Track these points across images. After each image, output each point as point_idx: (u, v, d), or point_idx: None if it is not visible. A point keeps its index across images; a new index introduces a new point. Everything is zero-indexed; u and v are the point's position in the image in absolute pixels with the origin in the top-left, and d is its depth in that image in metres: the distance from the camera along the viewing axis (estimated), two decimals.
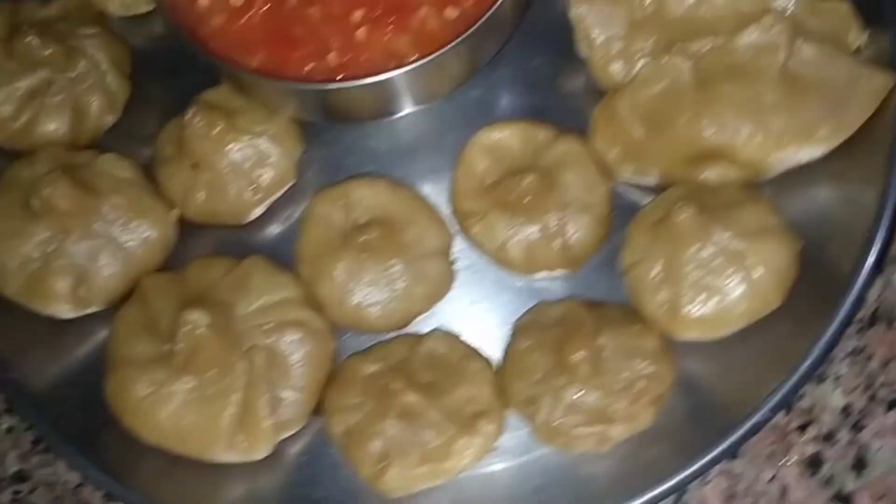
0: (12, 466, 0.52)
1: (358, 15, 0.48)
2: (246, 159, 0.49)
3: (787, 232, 0.45)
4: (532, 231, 0.47)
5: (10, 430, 0.53)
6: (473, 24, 0.47)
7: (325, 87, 0.46)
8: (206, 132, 0.48)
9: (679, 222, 0.44)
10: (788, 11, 0.47)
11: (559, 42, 0.52)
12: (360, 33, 0.48)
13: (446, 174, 0.51)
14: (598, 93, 0.51)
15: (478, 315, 0.49)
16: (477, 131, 0.50)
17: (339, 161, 0.52)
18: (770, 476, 0.50)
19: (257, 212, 0.51)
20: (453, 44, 0.45)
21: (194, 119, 0.48)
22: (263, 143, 0.49)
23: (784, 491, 0.50)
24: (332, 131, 0.53)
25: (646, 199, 0.50)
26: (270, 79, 0.46)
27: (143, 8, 0.56)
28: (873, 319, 0.50)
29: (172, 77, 0.55)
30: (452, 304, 0.50)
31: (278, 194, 0.51)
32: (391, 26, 0.48)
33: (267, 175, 0.50)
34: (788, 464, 0.50)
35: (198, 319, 0.43)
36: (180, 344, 0.44)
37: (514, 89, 0.53)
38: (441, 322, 0.49)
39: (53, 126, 0.51)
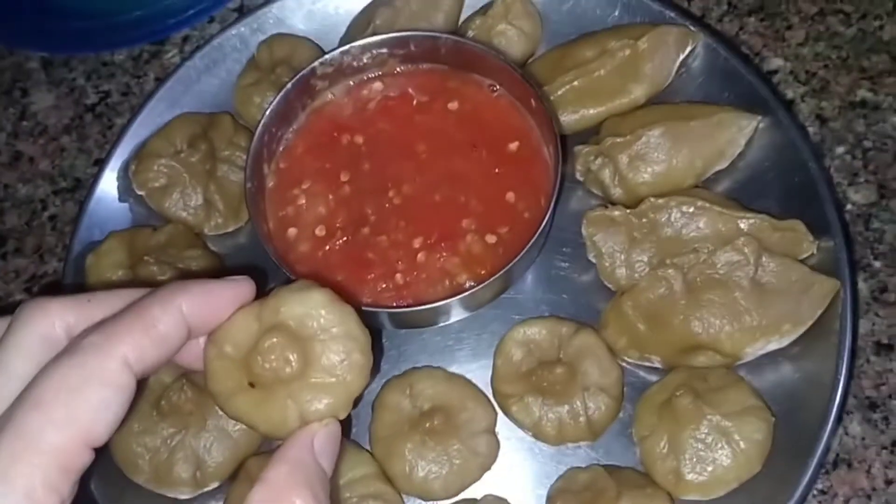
0: None
1: (417, 241, 0.60)
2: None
3: (762, 409, 0.57)
4: (561, 411, 0.59)
5: None
6: (510, 247, 0.59)
7: (395, 311, 0.57)
8: None
9: (680, 408, 0.55)
10: (755, 229, 0.60)
11: (574, 249, 0.65)
12: (420, 257, 0.59)
13: (488, 362, 0.62)
14: (607, 290, 0.64)
15: (518, 480, 0.60)
16: (511, 327, 0.62)
17: (401, 354, 0.64)
18: None
19: None
20: (497, 275, 0.56)
21: None
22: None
23: None
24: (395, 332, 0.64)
25: (650, 377, 0.62)
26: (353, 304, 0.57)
27: (232, 227, 0.68)
28: (836, 463, 0.61)
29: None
30: (498, 471, 0.60)
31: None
32: (444, 251, 0.60)
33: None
34: None
35: None
36: None
37: (539, 288, 0.65)
38: (489, 487, 0.60)
39: None
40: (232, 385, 0.43)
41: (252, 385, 0.42)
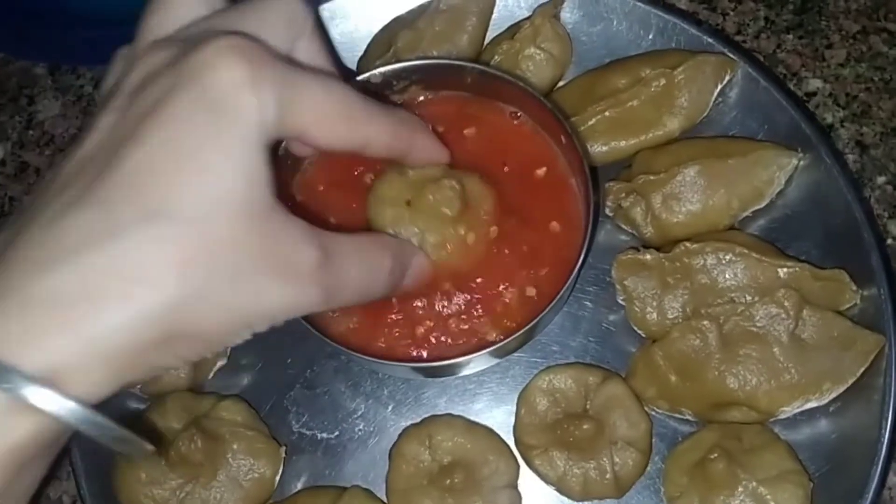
0: None
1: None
2: None
3: (800, 474, 0.54)
4: (587, 467, 0.56)
5: None
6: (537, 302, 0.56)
7: (417, 365, 0.55)
8: None
9: (713, 472, 0.53)
10: (795, 278, 0.57)
11: (601, 287, 0.62)
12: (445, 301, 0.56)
13: (510, 408, 0.59)
14: (634, 332, 0.61)
15: None
16: (535, 373, 0.59)
17: (419, 399, 0.61)
18: None
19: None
20: (527, 327, 0.53)
21: None
22: None
23: None
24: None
25: (681, 427, 0.59)
26: (381, 361, 0.54)
27: None
28: None
29: None
30: None
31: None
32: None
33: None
34: None
35: None
36: None
37: (563, 329, 0.62)
38: None
39: (177, 372, 0.60)
40: (393, 196, 0.50)
41: (408, 204, 0.50)
